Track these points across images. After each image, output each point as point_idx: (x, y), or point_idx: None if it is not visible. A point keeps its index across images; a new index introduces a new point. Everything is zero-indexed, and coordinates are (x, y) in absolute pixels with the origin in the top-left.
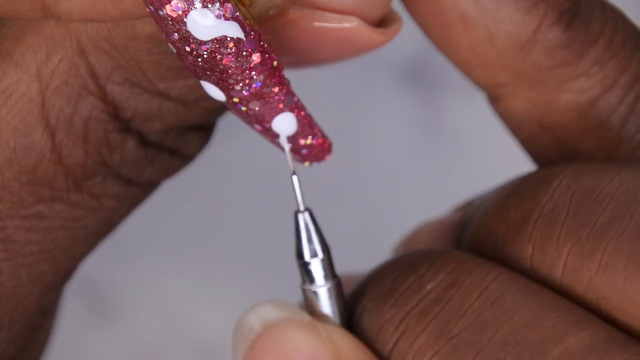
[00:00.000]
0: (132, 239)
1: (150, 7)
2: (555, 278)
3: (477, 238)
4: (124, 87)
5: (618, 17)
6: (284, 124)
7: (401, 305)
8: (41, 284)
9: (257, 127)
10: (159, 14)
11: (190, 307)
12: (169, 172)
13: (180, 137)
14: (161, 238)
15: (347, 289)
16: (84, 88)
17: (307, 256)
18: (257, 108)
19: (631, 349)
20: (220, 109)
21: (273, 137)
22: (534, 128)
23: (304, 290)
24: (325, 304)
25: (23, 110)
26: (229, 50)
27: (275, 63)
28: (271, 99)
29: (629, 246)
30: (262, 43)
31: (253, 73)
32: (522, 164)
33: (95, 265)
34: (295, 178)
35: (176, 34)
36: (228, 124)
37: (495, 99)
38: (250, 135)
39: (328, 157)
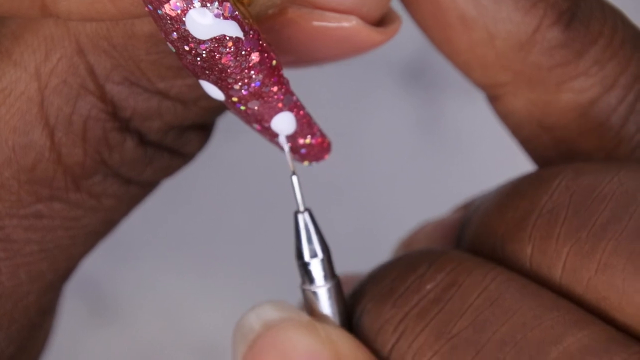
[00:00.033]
0: (131, 238)
1: (149, 6)
2: (555, 278)
3: (477, 238)
4: (123, 86)
5: (617, 17)
6: (283, 123)
7: (400, 305)
8: (40, 283)
9: (256, 126)
10: (157, 13)
11: (190, 307)
12: (169, 171)
13: (180, 137)
14: (161, 238)
15: (347, 290)
16: (83, 87)
17: (306, 256)
18: (256, 107)
19: (630, 349)
20: (219, 108)
21: (272, 136)
22: (534, 128)
23: (303, 291)
24: (325, 304)
25: (22, 109)
26: (227, 49)
27: (274, 62)
28: (270, 98)
29: (628, 246)
30: (261, 42)
31: (252, 72)
32: (522, 164)
33: (95, 265)
34: (295, 178)
35: (175, 33)
36: (228, 124)
37: (495, 99)
38: (250, 135)
39: (327, 157)
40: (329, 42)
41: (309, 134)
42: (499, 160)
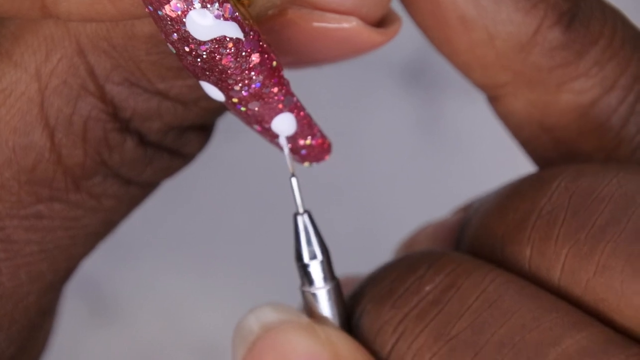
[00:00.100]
0: (132, 239)
1: (150, 7)
2: (553, 280)
3: (477, 240)
4: (123, 87)
5: (618, 18)
6: (284, 124)
7: (400, 306)
8: (40, 283)
9: (257, 127)
10: (158, 14)
11: (189, 307)
12: (169, 172)
13: (180, 137)
14: (161, 238)
15: (347, 291)
16: (83, 88)
17: (306, 258)
18: (256, 108)
19: (628, 351)
20: (219, 109)
21: (272, 137)
22: (534, 129)
23: (303, 292)
24: (325, 306)
25: (22, 109)
26: (228, 50)
27: (274, 63)
28: (270, 99)
29: (627, 248)
30: (261, 43)
31: (252, 73)
32: (521, 165)
33: (95, 265)
34: (294, 180)
35: (175, 34)
36: (228, 124)
37: (495, 100)
38: (250, 136)
39: (327, 158)
40: (329, 43)
41: (309, 135)
42: (498, 160)
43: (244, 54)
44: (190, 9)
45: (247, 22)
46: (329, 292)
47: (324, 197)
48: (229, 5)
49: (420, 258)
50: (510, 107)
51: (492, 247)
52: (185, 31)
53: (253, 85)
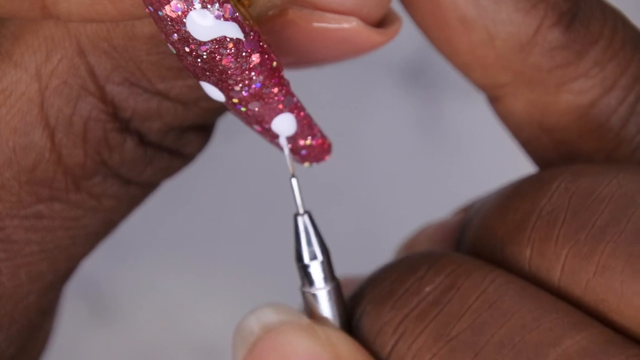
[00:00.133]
0: (132, 239)
1: (150, 8)
2: (553, 280)
3: (477, 240)
4: (123, 87)
5: (618, 18)
6: (284, 124)
7: (400, 307)
8: (40, 283)
9: (257, 127)
10: (158, 14)
11: (189, 307)
12: (169, 172)
13: (180, 137)
14: (161, 238)
15: (348, 292)
16: (83, 88)
17: (306, 259)
18: (256, 109)
19: (628, 351)
20: (219, 109)
21: (272, 137)
22: (534, 129)
23: (303, 293)
24: (325, 307)
25: (22, 110)
26: (228, 50)
27: (274, 64)
28: (270, 100)
29: (627, 248)
30: (261, 43)
31: (252, 74)
32: (521, 165)
33: (95, 265)
34: (294, 181)
35: (175, 35)
36: (228, 124)
37: (495, 100)
38: (250, 136)
39: (327, 158)
40: (329, 43)
41: (309, 135)
42: (498, 160)
43: (244, 54)
44: (191, 10)
45: (247, 22)
46: (329, 292)
47: (324, 197)
48: (229, 6)
49: (420, 259)
50: (510, 108)
51: (492, 248)
52: (186, 31)
53: (253, 86)
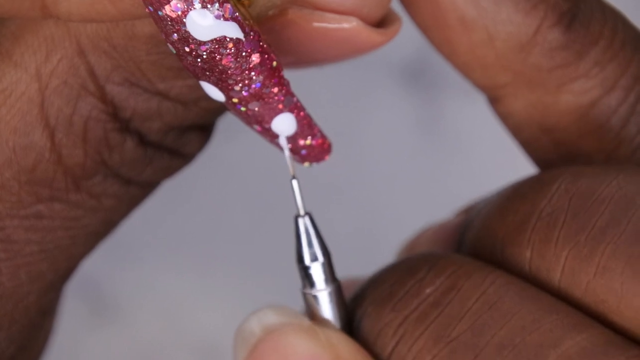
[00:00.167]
0: (132, 239)
1: (150, 8)
2: (554, 281)
3: (478, 241)
4: (123, 87)
5: (618, 18)
6: (284, 124)
7: (400, 309)
8: (41, 283)
9: (257, 127)
10: (158, 14)
11: (189, 307)
12: (169, 172)
13: (180, 137)
14: (161, 238)
15: (349, 293)
16: (84, 88)
17: (307, 260)
18: (256, 108)
19: (628, 352)
20: (219, 109)
21: (272, 137)
22: (534, 130)
23: (304, 294)
24: (326, 308)
25: (22, 109)
26: (228, 50)
27: (274, 63)
28: (270, 100)
29: (627, 249)
30: (261, 43)
31: (252, 73)
32: (521, 165)
33: (95, 265)
34: (295, 182)
35: (175, 35)
36: (228, 124)
37: (495, 101)
38: (250, 136)
39: (327, 158)
40: (329, 43)
41: (309, 135)
42: (498, 160)
43: (244, 54)
44: (191, 9)
45: (247, 22)
46: (330, 294)
47: (324, 197)
48: (229, 6)
49: (420, 260)
50: (510, 108)
51: (492, 249)
52: (186, 31)
53: (253, 86)
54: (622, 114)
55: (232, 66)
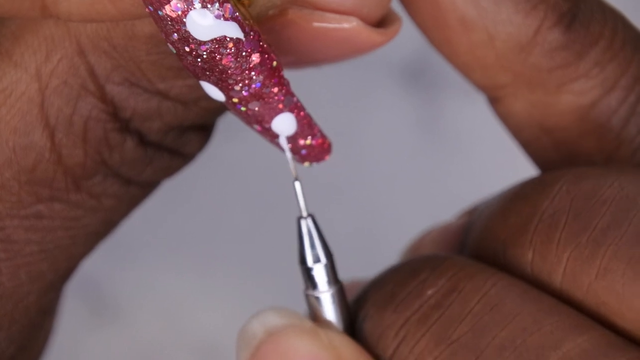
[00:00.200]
0: (132, 239)
1: (150, 7)
2: (555, 283)
3: (480, 243)
4: (123, 87)
5: (618, 19)
6: (284, 124)
7: (402, 311)
8: (41, 283)
9: (257, 127)
10: (158, 14)
11: (189, 307)
12: (169, 171)
13: (180, 137)
14: (161, 238)
15: (352, 295)
16: (84, 88)
17: (309, 262)
18: (256, 108)
19: (629, 354)
20: (219, 109)
21: (272, 137)
22: (534, 130)
23: (307, 296)
24: (328, 310)
25: (22, 109)
26: (228, 50)
27: (274, 63)
28: (271, 99)
29: (628, 251)
30: (261, 43)
31: (252, 73)
32: (521, 165)
33: (95, 265)
34: (298, 184)
35: (175, 34)
36: (228, 124)
37: (495, 101)
38: (250, 136)
39: (328, 158)
40: (329, 43)
41: (309, 135)
42: (498, 160)
43: (244, 54)
44: (191, 9)
45: (247, 22)
46: (332, 295)
47: (324, 197)
48: (229, 5)
49: (422, 262)
50: (510, 108)
51: (494, 251)
52: (186, 31)
53: (253, 85)
54: (622, 114)
55: (232, 66)
